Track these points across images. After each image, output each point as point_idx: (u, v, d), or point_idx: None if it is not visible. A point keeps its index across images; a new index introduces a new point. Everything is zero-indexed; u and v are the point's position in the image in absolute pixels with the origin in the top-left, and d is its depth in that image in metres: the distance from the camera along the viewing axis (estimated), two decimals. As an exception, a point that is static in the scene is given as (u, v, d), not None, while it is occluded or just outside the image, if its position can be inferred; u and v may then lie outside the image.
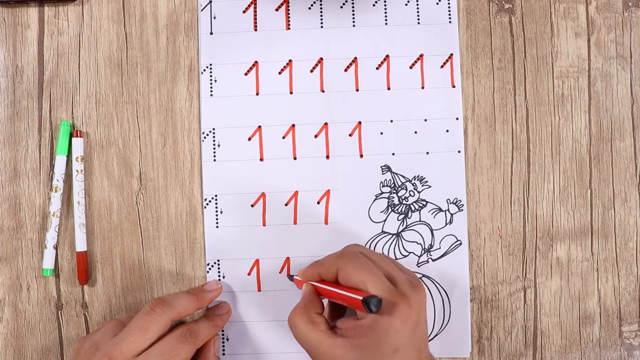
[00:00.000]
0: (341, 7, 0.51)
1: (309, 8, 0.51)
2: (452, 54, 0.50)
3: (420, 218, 0.50)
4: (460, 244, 0.50)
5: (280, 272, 0.50)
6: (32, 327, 0.50)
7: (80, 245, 0.49)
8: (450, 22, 0.50)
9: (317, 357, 0.41)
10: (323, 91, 0.50)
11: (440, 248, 0.50)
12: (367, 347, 0.39)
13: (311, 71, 0.50)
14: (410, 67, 0.50)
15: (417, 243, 0.50)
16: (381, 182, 0.50)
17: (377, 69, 0.50)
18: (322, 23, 0.51)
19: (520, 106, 0.50)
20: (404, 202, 0.50)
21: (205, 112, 0.50)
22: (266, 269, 0.50)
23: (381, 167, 0.50)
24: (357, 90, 0.50)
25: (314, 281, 0.44)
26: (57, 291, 0.50)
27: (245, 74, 0.50)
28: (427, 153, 0.50)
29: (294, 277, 0.46)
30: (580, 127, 0.50)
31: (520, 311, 0.50)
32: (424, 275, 0.50)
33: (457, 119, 0.50)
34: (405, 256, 0.50)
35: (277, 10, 0.51)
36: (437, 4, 0.50)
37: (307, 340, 0.41)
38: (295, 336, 0.42)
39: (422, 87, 0.50)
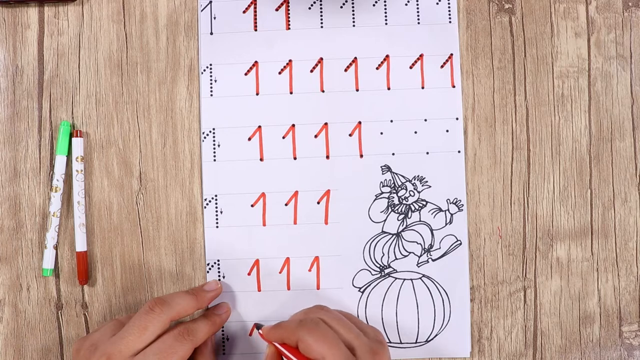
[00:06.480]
0: (341, 7, 0.51)
1: (309, 8, 0.51)
2: (452, 54, 0.50)
3: (420, 218, 0.50)
4: (460, 244, 0.50)
5: (280, 273, 0.50)
6: (32, 327, 0.50)
7: (80, 245, 0.49)
8: (450, 22, 0.50)
9: None
10: (323, 91, 0.50)
11: (440, 248, 0.50)
12: None
13: (311, 71, 0.50)
14: (410, 67, 0.50)
15: (417, 243, 0.50)
16: (381, 182, 0.50)
17: (377, 69, 0.50)
18: (322, 23, 0.51)
19: (520, 106, 0.50)
20: (404, 202, 0.50)
21: (205, 112, 0.50)
22: (266, 269, 0.50)
23: (381, 167, 0.50)
24: (357, 90, 0.50)
25: (277, 343, 0.44)
26: (57, 291, 0.50)
27: (245, 74, 0.50)
28: (427, 153, 0.50)
29: (259, 330, 0.45)
30: (580, 127, 0.50)
31: (520, 311, 0.50)
32: (424, 275, 0.50)
33: (457, 119, 0.50)
34: (405, 256, 0.50)
35: (277, 10, 0.51)
36: (437, 4, 0.50)
37: None
38: None
39: (422, 87, 0.50)
